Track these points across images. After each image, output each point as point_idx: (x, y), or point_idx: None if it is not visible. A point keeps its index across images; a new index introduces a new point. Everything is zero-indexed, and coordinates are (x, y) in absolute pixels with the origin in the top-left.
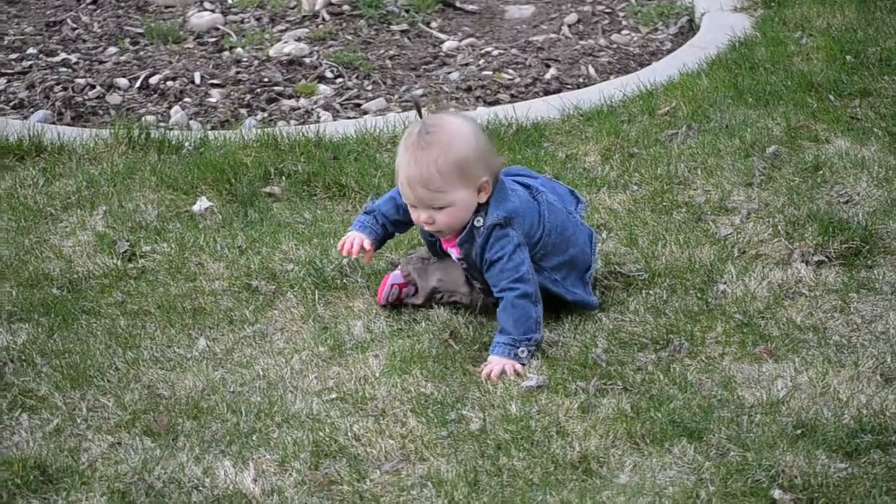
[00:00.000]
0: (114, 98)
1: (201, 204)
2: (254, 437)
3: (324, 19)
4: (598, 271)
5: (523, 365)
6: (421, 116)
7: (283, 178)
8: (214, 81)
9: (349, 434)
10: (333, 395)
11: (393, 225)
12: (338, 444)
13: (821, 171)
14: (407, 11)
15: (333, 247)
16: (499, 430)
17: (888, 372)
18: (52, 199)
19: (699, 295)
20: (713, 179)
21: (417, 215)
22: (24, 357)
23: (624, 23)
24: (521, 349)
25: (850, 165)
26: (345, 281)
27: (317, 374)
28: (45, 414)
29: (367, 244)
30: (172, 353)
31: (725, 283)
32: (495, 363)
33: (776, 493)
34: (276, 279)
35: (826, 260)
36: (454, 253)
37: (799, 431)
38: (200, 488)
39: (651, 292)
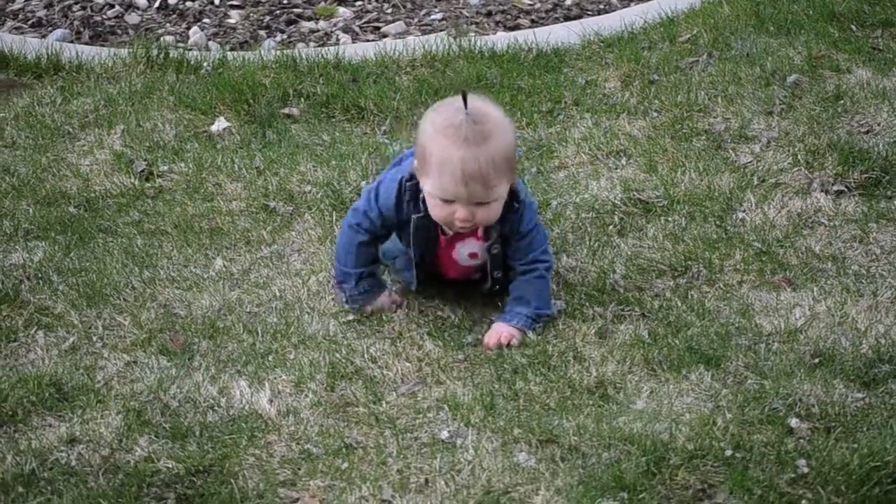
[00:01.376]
0: (132, 17)
1: (219, 124)
2: (270, 358)
3: None
4: (616, 198)
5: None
6: (466, 105)
7: (302, 99)
8: (233, 2)
9: (365, 356)
10: (350, 317)
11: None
12: (354, 365)
13: (841, 101)
14: None
15: (351, 169)
16: (515, 354)
17: None
18: (69, 118)
19: (718, 223)
20: (733, 107)
21: (451, 211)
22: (40, 275)
23: None
24: (539, 323)
25: (871, 96)
26: None
27: (333, 296)
28: (61, 332)
29: (397, 298)
30: (189, 273)
31: (744, 211)
32: (505, 329)
33: (793, 422)
34: (293, 200)
35: (845, 190)
36: (468, 248)
37: (816, 360)
38: (216, 408)
39: (670, 219)
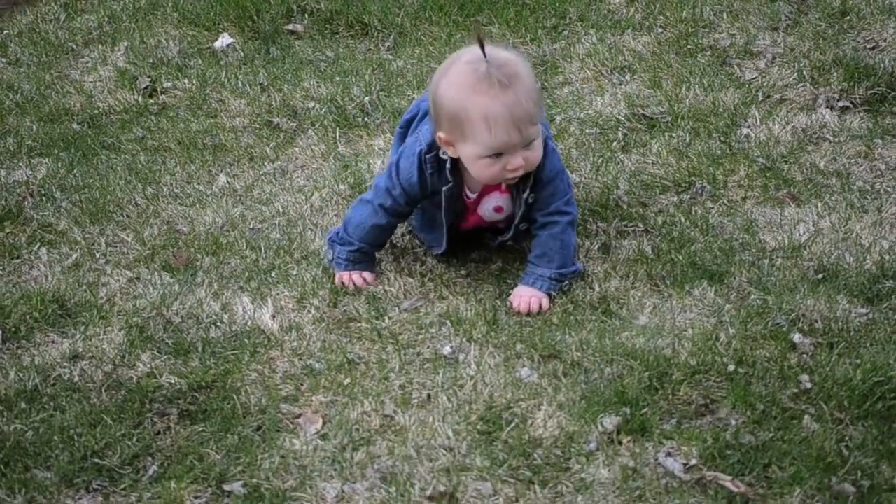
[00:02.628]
0: None
1: (223, 40)
2: (273, 274)
3: None
4: (620, 114)
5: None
6: (485, 53)
7: (306, 15)
8: None
9: None
10: None
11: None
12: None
13: (847, 17)
14: None
15: (355, 85)
16: (519, 269)
17: None
18: (73, 35)
19: (722, 138)
20: (738, 23)
21: (502, 165)
22: (43, 191)
23: None
24: (564, 283)
25: (878, 11)
26: (366, 119)
27: (337, 212)
28: (64, 248)
29: (370, 277)
30: (192, 190)
31: (749, 126)
32: (531, 295)
33: (796, 337)
34: (297, 116)
35: (851, 105)
36: (493, 202)
37: (820, 276)
38: (218, 324)
39: (674, 135)
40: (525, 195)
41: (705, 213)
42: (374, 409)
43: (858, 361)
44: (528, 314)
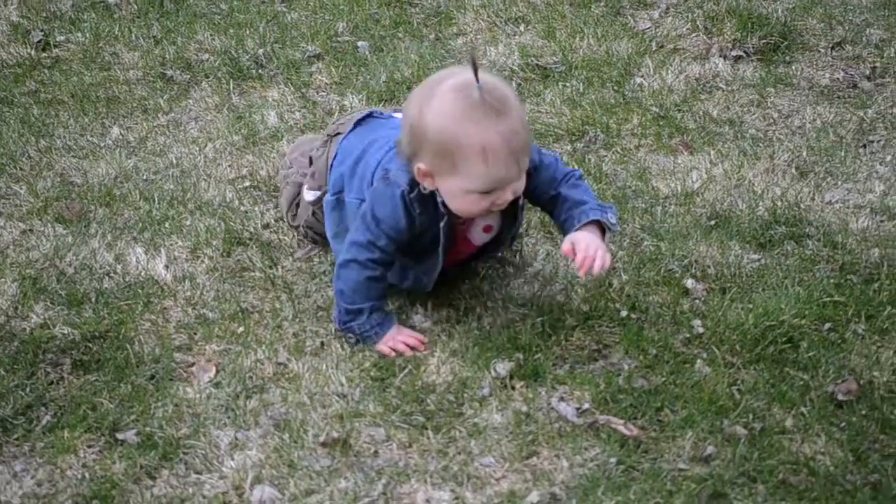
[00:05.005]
0: None
1: None
2: (166, 225)
3: None
4: (515, 64)
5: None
6: (478, 79)
7: None
8: None
9: (262, 222)
10: (247, 184)
11: None
12: (250, 231)
13: None
14: None
15: (249, 37)
16: None
17: (803, 165)
18: None
19: (616, 88)
20: None
21: (492, 199)
22: None
23: None
24: (609, 214)
25: None
26: (260, 71)
27: (230, 163)
28: None
29: (417, 334)
30: (86, 142)
31: (643, 76)
32: (596, 246)
33: (689, 283)
34: (190, 69)
35: (744, 55)
36: (483, 222)
37: (713, 222)
38: (112, 274)
39: (568, 84)
40: (521, 202)
41: (599, 161)
42: (267, 357)
43: (750, 306)
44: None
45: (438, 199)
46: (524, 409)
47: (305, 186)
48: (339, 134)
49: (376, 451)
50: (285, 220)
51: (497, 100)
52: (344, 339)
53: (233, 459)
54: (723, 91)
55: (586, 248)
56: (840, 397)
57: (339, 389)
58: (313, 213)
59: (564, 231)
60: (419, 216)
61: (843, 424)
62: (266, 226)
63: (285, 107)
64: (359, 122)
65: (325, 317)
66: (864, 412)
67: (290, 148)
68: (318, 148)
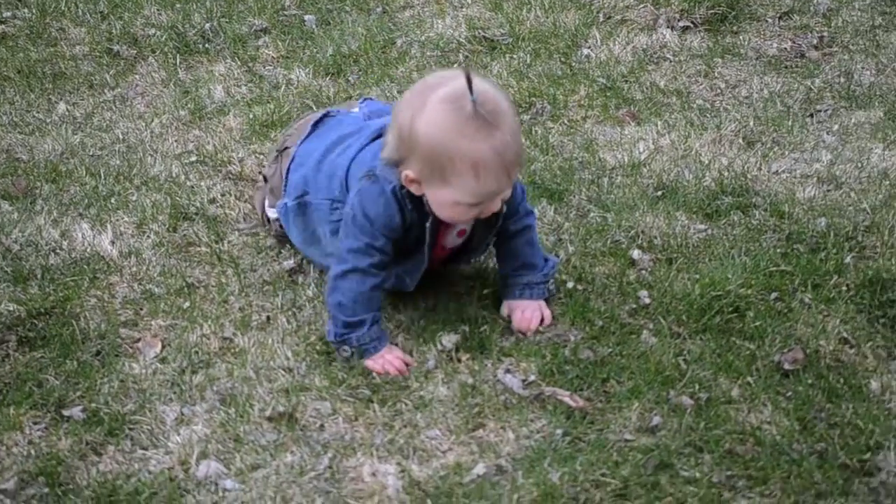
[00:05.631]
0: None
1: None
2: (112, 200)
3: None
4: (462, 36)
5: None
6: (472, 91)
7: None
8: None
9: (208, 196)
10: (193, 159)
11: None
12: (196, 206)
13: None
14: None
15: (196, 11)
16: None
17: (750, 135)
18: None
19: (563, 59)
20: None
21: (480, 210)
22: None
23: None
24: (549, 283)
25: None
26: (207, 45)
27: (177, 138)
28: None
29: (407, 358)
30: (31, 118)
31: (590, 47)
32: (533, 309)
33: (635, 254)
34: (137, 44)
35: (691, 25)
36: (457, 227)
37: (659, 193)
38: (58, 251)
39: (515, 56)
40: (503, 209)
41: (546, 132)
42: (213, 331)
43: (697, 276)
44: (530, 328)
45: (425, 199)
46: (470, 381)
47: (267, 204)
48: (287, 148)
49: (322, 425)
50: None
51: (490, 112)
52: (334, 346)
53: (178, 435)
54: (670, 62)
55: (522, 314)
56: (786, 367)
57: (285, 364)
58: (280, 227)
59: (504, 290)
60: (409, 212)
61: (790, 394)
62: (212, 200)
63: (232, 81)
64: (315, 125)
65: (272, 291)
66: (810, 381)
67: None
68: (270, 165)
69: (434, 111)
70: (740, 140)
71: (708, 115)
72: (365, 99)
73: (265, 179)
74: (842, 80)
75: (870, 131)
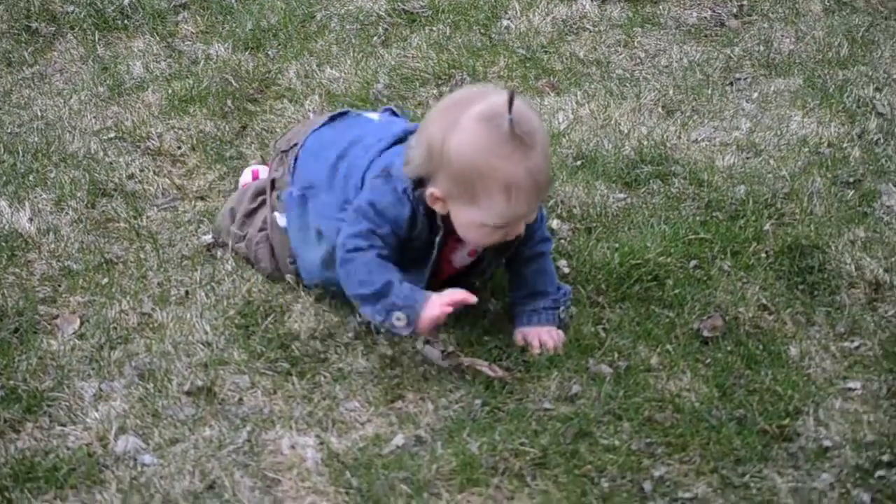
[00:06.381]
0: None
1: None
2: (30, 178)
3: None
4: (381, 9)
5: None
6: (511, 111)
7: None
8: None
9: (126, 172)
10: (112, 135)
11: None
12: (115, 182)
13: None
14: None
15: None
16: None
17: (670, 104)
18: None
19: (483, 31)
20: None
21: (505, 232)
22: None
23: None
24: (561, 310)
25: None
26: (126, 22)
27: (95, 114)
28: None
29: (459, 293)
30: None
31: (510, 19)
32: (545, 333)
33: (555, 223)
34: (55, 21)
35: None
36: (469, 247)
37: (579, 163)
38: None
39: (434, 29)
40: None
41: None
42: (132, 307)
43: (616, 245)
44: (548, 349)
45: (439, 213)
46: (389, 353)
47: (277, 215)
48: (295, 145)
49: (241, 399)
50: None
51: (526, 133)
52: (389, 333)
53: (97, 410)
54: (590, 32)
55: (535, 341)
56: (706, 334)
57: (204, 338)
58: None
59: (515, 316)
60: (422, 218)
61: (709, 361)
62: (131, 176)
63: (151, 57)
64: (333, 118)
65: (191, 266)
66: (729, 348)
67: (227, 217)
68: (276, 168)
69: (469, 129)
70: (660, 109)
71: (628, 84)
72: (386, 108)
73: (272, 185)
74: (761, 48)
75: (789, 99)
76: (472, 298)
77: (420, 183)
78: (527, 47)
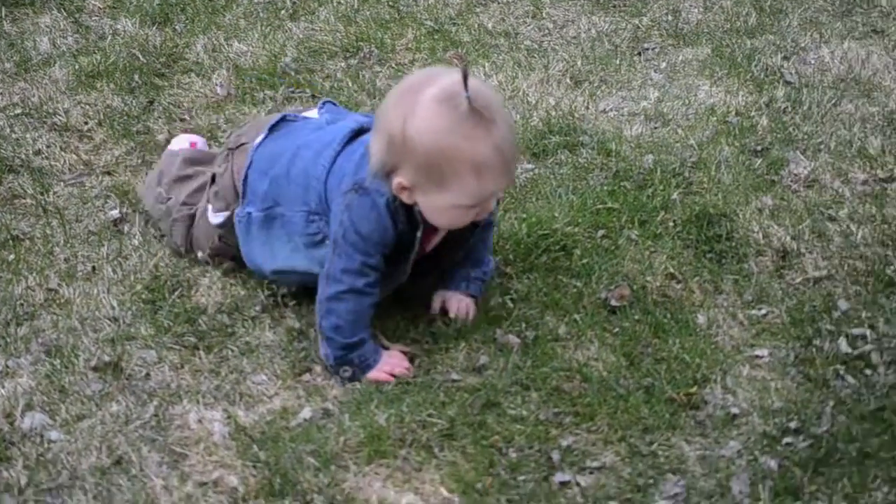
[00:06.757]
0: None
1: None
2: None
3: None
4: None
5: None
6: (467, 87)
7: None
8: None
9: (33, 148)
10: (18, 111)
11: None
12: (21, 159)
13: None
14: None
15: None
16: None
17: (578, 75)
18: None
19: (391, 3)
20: None
21: (476, 211)
22: None
23: None
24: (484, 283)
25: None
26: None
27: (2, 91)
28: None
29: (404, 359)
30: None
31: None
32: (467, 302)
33: None
34: None
35: None
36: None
37: None
38: None
39: (342, 1)
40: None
41: (373, 76)
42: (38, 283)
43: (524, 216)
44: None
45: (416, 209)
46: (297, 326)
47: (210, 209)
48: (243, 144)
49: (148, 374)
50: (182, 254)
51: (485, 108)
52: (332, 370)
53: (3, 387)
54: (498, 3)
55: (458, 304)
56: (613, 303)
57: (111, 313)
58: (220, 238)
59: (444, 278)
60: (403, 224)
61: (616, 330)
62: (38, 152)
63: (58, 32)
64: (272, 128)
65: (97, 241)
66: (636, 317)
67: (153, 177)
68: (220, 164)
69: (427, 113)
70: (568, 80)
71: (536, 55)
72: (325, 102)
73: (213, 179)
74: (669, 17)
75: (697, 68)
76: (410, 371)
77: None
78: (435, 19)
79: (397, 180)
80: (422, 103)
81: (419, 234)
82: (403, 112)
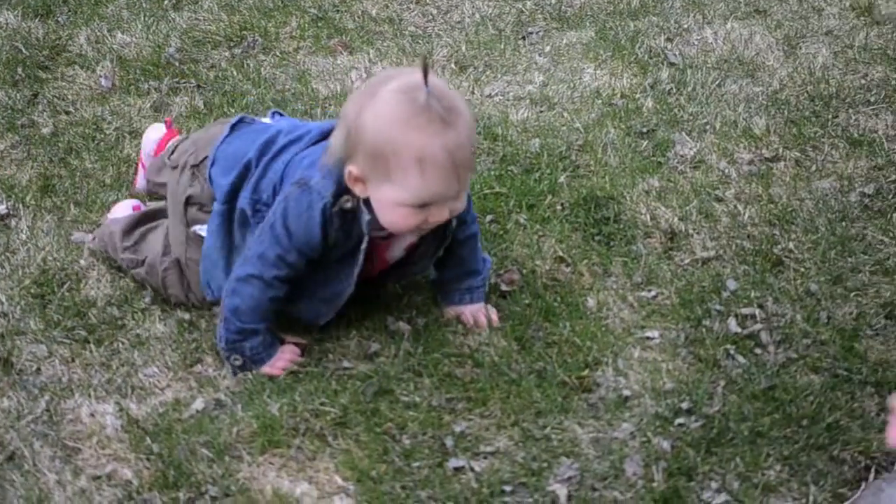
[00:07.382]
0: None
1: None
2: None
3: None
4: None
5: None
6: (427, 81)
7: None
8: None
9: None
10: None
11: None
12: None
13: None
14: None
15: None
16: (70, 133)
17: (462, 60)
18: None
19: None
20: None
21: (425, 217)
22: None
23: None
24: (485, 286)
25: None
26: None
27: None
28: None
29: (296, 350)
30: None
31: None
32: (480, 311)
33: None
34: None
35: None
36: (406, 240)
37: None
38: None
39: None
40: (453, 224)
41: (258, 65)
42: None
43: None
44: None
45: (363, 219)
46: (187, 317)
47: (196, 228)
48: (205, 159)
49: (39, 368)
50: (192, 302)
51: (445, 108)
52: (223, 353)
53: None
54: None
55: (472, 319)
56: (503, 288)
57: (0, 308)
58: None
59: (445, 294)
60: (336, 232)
61: (507, 314)
62: None
63: None
64: (233, 127)
65: None
66: (527, 301)
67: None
68: (190, 184)
69: (384, 101)
70: (452, 65)
71: (420, 41)
72: (273, 112)
73: (188, 201)
74: (553, 1)
75: (581, 51)
76: (300, 358)
77: (340, 184)
78: (318, 6)
79: (349, 168)
80: (381, 94)
81: (363, 247)
82: (363, 101)
